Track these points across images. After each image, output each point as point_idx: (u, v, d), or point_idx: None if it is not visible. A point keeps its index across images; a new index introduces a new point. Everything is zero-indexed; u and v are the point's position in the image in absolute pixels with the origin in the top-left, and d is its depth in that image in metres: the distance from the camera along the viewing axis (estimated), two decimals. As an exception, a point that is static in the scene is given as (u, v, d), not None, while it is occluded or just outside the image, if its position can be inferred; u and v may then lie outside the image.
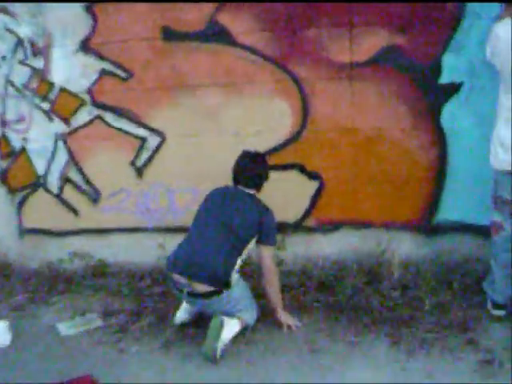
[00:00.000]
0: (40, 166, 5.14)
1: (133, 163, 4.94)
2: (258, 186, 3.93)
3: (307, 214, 4.73)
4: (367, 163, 4.55)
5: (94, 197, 5.07)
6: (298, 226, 4.77)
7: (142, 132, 4.88)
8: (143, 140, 4.88)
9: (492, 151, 3.60)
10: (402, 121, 4.43)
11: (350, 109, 4.49)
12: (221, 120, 4.73)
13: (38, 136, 5.09)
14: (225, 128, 4.74)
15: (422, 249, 4.60)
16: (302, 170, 4.67)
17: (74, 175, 5.09)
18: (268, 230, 3.80)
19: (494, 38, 3.48)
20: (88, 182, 5.06)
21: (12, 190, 5.26)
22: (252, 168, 3.90)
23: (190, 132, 4.80)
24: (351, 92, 4.45)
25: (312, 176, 4.66)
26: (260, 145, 4.58)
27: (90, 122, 4.96)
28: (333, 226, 4.72)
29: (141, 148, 4.90)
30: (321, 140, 4.59)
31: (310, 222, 4.75)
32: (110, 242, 5.12)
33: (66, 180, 5.10)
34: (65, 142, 5.04)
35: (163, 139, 4.85)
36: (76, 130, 5.00)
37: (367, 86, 4.43)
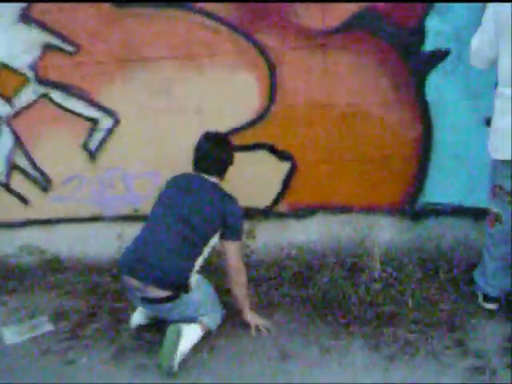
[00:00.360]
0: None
1: (85, 147, 4.44)
2: (221, 173, 3.47)
3: (279, 198, 4.29)
4: (344, 142, 4.10)
5: (45, 185, 4.57)
6: (268, 212, 4.34)
7: (93, 112, 4.36)
8: (95, 121, 4.37)
9: (491, 139, 3.16)
10: (382, 94, 3.96)
11: (324, 81, 4.00)
12: (180, 97, 4.23)
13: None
14: (184, 106, 4.24)
15: (405, 235, 4.20)
16: (272, 150, 4.20)
17: (21, 161, 4.57)
18: (233, 223, 3.34)
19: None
20: (37, 168, 4.55)
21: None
22: (214, 152, 3.42)
23: (146, 111, 4.29)
24: (324, 62, 3.96)
25: (283, 156, 4.20)
26: (224, 123, 4.13)
27: (36, 101, 4.42)
28: (307, 212, 4.30)
29: (93, 130, 4.39)
30: (292, 117, 4.11)
31: (282, 207, 4.31)
32: (63, 234, 4.66)
33: (13, 167, 4.58)
34: (9, 125, 4.51)
35: (117, 120, 4.34)
36: (20, 111, 4.46)
37: (342, 55, 3.94)
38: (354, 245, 4.22)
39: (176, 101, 4.24)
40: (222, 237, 3.34)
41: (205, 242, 3.25)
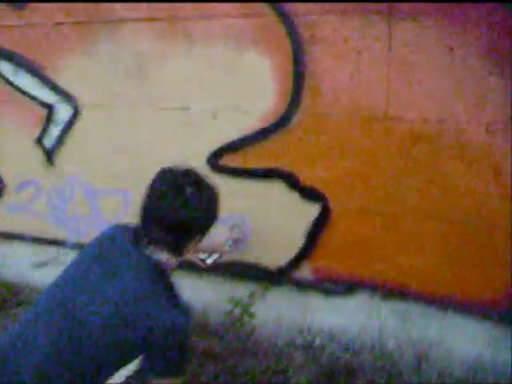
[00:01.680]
0: None
1: (39, 143, 3.13)
2: (178, 249, 1.83)
3: (300, 258, 2.69)
4: (408, 184, 2.38)
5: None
6: (282, 278, 2.76)
7: (47, 95, 3.01)
8: (50, 108, 3.03)
9: None
10: (493, 108, 2.16)
11: (384, 77, 2.28)
12: (158, 83, 2.73)
13: None
14: (164, 97, 2.74)
15: (499, 348, 2.43)
16: (292, 182, 2.59)
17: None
18: (166, 352, 1.71)
19: None
20: (-13, 164, 3.35)
21: None
22: (172, 210, 1.75)
23: (111, 100, 2.85)
24: (388, 43, 2.24)
25: (309, 196, 2.58)
26: (217, 130, 2.60)
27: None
28: (342, 287, 2.65)
29: (48, 120, 3.06)
30: (325, 132, 2.45)
31: (305, 272, 2.71)
32: (17, 255, 3.46)
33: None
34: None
35: (76, 109, 2.96)
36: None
37: (421, 31, 2.18)
38: (409, 346, 2.55)
39: (152, 89, 2.74)
40: (148, 367, 1.83)
41: (106, 373, 1.78)
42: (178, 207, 1.71)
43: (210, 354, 2.75)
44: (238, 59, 2.51)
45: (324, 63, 2.36)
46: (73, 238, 3.20)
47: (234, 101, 2.57)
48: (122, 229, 1.91)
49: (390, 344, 2.62)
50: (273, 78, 2.47)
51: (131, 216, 2.65)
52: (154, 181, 1.79)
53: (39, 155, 3.14)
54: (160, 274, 1.79)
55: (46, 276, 3.35)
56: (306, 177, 2.55)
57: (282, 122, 2.50)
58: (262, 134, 2.55)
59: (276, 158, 2.57)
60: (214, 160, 2.69)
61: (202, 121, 2.66)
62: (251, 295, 2.77)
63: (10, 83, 3.08)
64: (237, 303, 2.78)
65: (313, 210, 2.58)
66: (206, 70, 2.58)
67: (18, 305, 3.34)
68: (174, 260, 1.83)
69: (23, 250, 3.39)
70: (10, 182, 3.30)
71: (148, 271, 1.77)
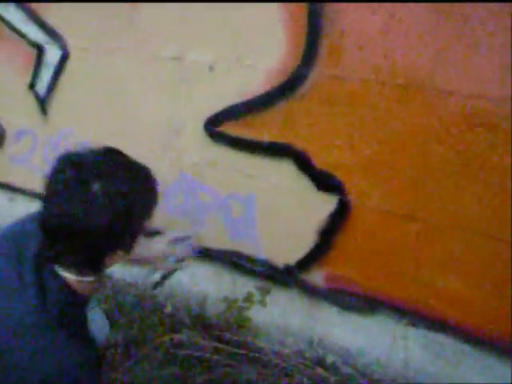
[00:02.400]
0: None
1: (32, 88, 2.70)
2: (90, 266, 1.32)
3: (310, 259, 2.11)
4: (460, 184, 1.70)
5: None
6: (288, 278, 2.21)
7: (36, 33, 2.54)
8: (40, 50, 2.56)
9: None
10: None
11: (435, 31, 1.57)
12: (147, 26, 2.16)
13: None
14: (154, 44, 2.17)
15: None
16: (303, 163, 1.98)
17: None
18: None
19: None
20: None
21: None
22: (73, 215, 1.18)
23: (96, 45, 2.33)
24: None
25: (323, 182, 1.96)
26: (212, 90, 2.04)
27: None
28: (361, 301, 2.06)
29: (39, 63, 2.61)
30: (349, 102, 1.79)
31: (314, 277, 2.13)
32: (19, 209, 3.14)
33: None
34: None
35: (65, 51, 2.47)
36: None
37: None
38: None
39: (141, 33, 2.18)
40: None
41: None
42: (79, 212, 1.19)
43: (203, 358, 2.32)
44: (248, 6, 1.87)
45: (348, 8, 1.67)
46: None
47: (239, 52, 1.96)
48: (31, 227, 1.43)
49: (418, 380, 2.03)
50: (282, 24, 1.82)
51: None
52: (52, 173, 1.27)
53: (32, 102, 2.72)
54: (66, 299, 1.32)
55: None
56: (319, 159, 1.93)
57: (291, 84, 1.86)
58: (268, 98, 1.94)
59: (284, 130, 1.96)
60: (212, 126, 2.13)
61: (195, 75, 2.08)
62: (249, 297, 2.25)
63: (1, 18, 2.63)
64: (231, 303, 2.28)
65: (328, 203, 1.97)
66: (202, 11, 1.97)
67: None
68: (91, 278, 1.35)
69: (24, 204, 3.07)
70: (9, 130, 2.93)
71: (49, 293, 1.30)
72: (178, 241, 1.92)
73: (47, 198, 1.24)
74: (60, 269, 1.30)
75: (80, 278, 1.31)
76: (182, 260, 1.93)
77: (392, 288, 1.95)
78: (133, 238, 1.31)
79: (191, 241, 1.96)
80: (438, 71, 1.57)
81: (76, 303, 1.33)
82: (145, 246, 1.74)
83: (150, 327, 2.37)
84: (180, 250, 1.92)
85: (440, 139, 1.65)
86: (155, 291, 2.03)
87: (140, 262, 1.86)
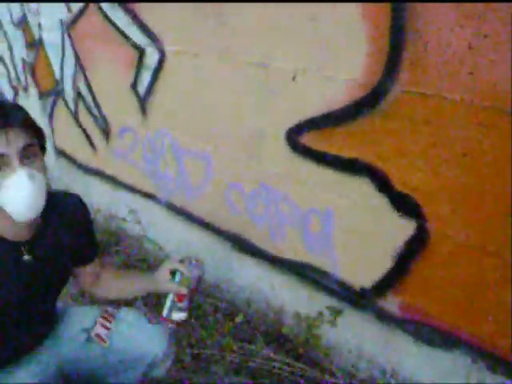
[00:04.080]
0: (56, 66, 3.44)
1: (134, 88, 2.81)
2: None
3: (385, 284, 1.98)
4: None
5: (104, 127, 3.18)
6: (363, 301, 2.08)
7: (138, 36, 2.63)
8: (141, 51, 2.65)
9: None
10: None
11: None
12: (237, 30, 2.13)
13: (47, 22, 3.33)
14: (242, 50, 2.14)
15: None
16: (381, 183, 1.85)
17: (82, 88, 3.25)
18: None
19: None
20: (95, 100, 3.17)
21: (41, 94, 3.77)
22: None
23: (191, 46, 2.36)
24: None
25: (402, 205, 1.81)
26: (298, 101, 2.02)
27: (86, 8, 2.92)
28: (437, 335, 1.89)
29: (139, 65, 2.70)
30: (431, 121, 1.63)
31: (390, 303, 1.99)
32: (123, 205, 3.30)
33: (78, 93, 3.31)
34: (70, 37, 3.16)
35: (162, 53, 2.53)
36: (76, 19, 3.04)
37: None
38: None
39: (228, 38, 2.16)
40: None
41: None
42: None
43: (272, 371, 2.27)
44: (333, 11, 1.77)
45: (432, 20, 1.51)
46: (164, 195, 2.90)
47: (316, 63, 1.87)
48: None
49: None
50: (364, 35, 1.70)
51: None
52: None
53: (134, 101, 2.83)
54: None
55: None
56: (399, 179, 1.78)
57: (372, 99, 1.74)
58: (348, 112, 1.83)
59: (363, 146, 1.83)
60: (294, 137, 2.06)
61: (279, 81, 2.02)
62: (319, 315, 2.16)
63: (108, 20, 2.76)
64: (303, 319, 2.21)
65: (406, 227, 1.82)
66: (279, 17, 1.91)
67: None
68: None
69: (125, 197, 3.22)
70: (114, 126, 3.09)
71: None
72: (185, 261, 1.72)
73: None
74: None
75: None
76: (188, 283, 1.67)
77: (468, 326, 1.76)
78: None
79: (195, 262, 1.72)
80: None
81: None
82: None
83: (222, 334, 2.38)
84: (186, 268, 1.68)
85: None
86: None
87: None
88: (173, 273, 1.69)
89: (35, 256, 1.48)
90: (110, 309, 1.69)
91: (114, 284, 1.81)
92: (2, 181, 1.28)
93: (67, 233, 1.57)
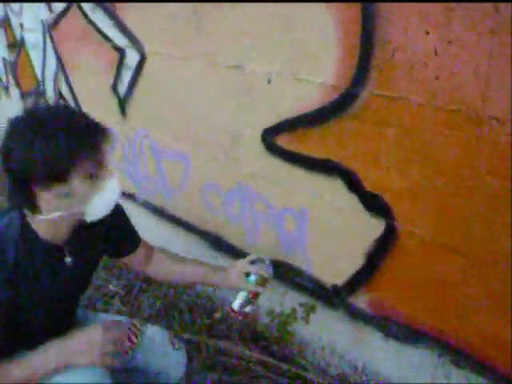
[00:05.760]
0: (38, 67, 3.47)
1: (114, 89, 2.84)
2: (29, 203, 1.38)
3: (356, 282, 2.04)
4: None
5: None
6: (335, 298, 2.14)
7: (118, 37, 2.68)
8: (121, 53, 2.69)
9: None
10: None
11: (488, 55, 1.44)
12: (214, 34, 2.19)
13: (29, 23, 3.35)
14: (216, 52, 2.20)
15: None
16: (352, 183, 1.91)
17: (64, 88, 3.28)
18: None
19: None
20: (76, 101, 3.20)
21: (23, 94, 3.78)
22: None
23: (170, 48, 2.41)
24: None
25: (371, 205, 1.88)
26: (274, 103, 2.05)
27: (68, 9, 2.96)
28: (403, 331, 1.95)
29: (120, 66, 2.74)
30: (398, 123, 1.70)
31: (360, 301, 2.05)
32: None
33: (59, 94, 3.33)
34: (52, 39, 3.19)
35: (143, 55, 2.58)
36: (57, 19, 3.07)
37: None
38: None
39: (206, 41, 2.21)
40: None
41: None
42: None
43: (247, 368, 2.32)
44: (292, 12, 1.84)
45: (400, 26, 1.58)
46: (143, 196, 2.94)
47: (290, 66, 1.93)
48: None
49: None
50: (336, 39, 1.76)
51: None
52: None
53: (114, 102, 2.86)
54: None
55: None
56: (369, 180, 1.85)
57: (342, 102, 1.80)
58: (321, 114, 1.89)
59: (335, 147, 1.90)
60: (269, 138, 2.12)
61: (256, 84, 2.08)
62: (292, 313, 2.22)
63: (89, 20, 2.80)
64: (275, 316, 2.26)
65: (376, 226, 1.88)
66: (267, 25, 1.97)
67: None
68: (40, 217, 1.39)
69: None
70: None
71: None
72: (257, 262, 1.82)
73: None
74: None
75: (31, 216, 1.39)
76: (264, 283, 1.78)
77: (434, 321, 1.83)
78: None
79: (268, 262, 1.83)
80: (490, 98, 1.44)
81: (25, 235, 1.40)
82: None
83: (198, 331, 2.42)
84: (260, 268, 1.78)
85: (493, 171, 1.51)
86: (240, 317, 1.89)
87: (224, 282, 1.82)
88: (247, 273, 1.77)
89: (76, 258, 1.52)
90: (138, 323, 1.68)
91: (171, 266, 1.86)
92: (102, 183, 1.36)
93: (102, 232, 1.61)
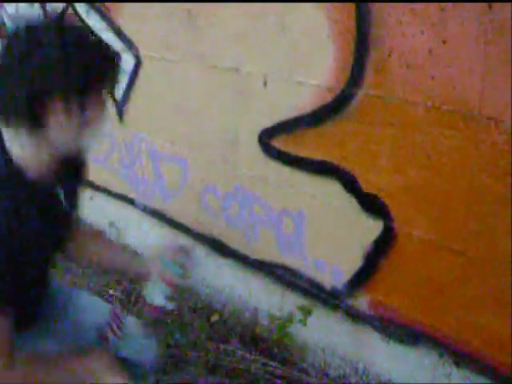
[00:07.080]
0: None
1: (110, 91, 2.83)
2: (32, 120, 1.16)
3: (355, 283, 2.03)
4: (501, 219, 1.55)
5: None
6: (335, 300, 2.14)
7: (114, 41, 2.67)
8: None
9: None
10: None
11: (483, 55, 1.44)
12: (206, 34, 2.19)
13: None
14: (212, 54, 2.20)
15: None
16: (349, 184, 1.90)
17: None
18: None
19: None
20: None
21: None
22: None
23: (166, 52, 2.41)
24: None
25: (369, 205, 1.88)
26: (270, 105, 2.05)
27: (65, 11, 2.95)
28: (404, 331, 1.95)
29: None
30: (395, 124, 1.70)
31: (360, 302, 2.05)
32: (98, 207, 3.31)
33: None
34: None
35: (138, 60, 2.58)
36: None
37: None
38: None
39: (201, 43, 2.21)
40: None
41: None
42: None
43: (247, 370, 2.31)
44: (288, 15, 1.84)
45: (395, 26, 1.58)
46: (141, 199, 2.93)
47: (286, 68, 1.93)
48: None
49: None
50: (331, 41, 1.76)
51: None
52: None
53: (111, 107, 2.86)
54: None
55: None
56: (365, 181, 1.84)
57: (338, 103, 1.80)
58: (317, 116, 1.89)
59: (332, 149, 1.90)
60: (266, 140, 2.12)
61: (252, 87, 2.08)
62: (290, 315, 2.22)
63: (85, 25, 2.80)
64: (275, 319, 2.26)
65: (374, 227, 1.88)
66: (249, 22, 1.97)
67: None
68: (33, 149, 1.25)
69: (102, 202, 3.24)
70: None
71: None
72: (178, 250, 1.57)
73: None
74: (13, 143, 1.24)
75: (23, 152, 1.24)
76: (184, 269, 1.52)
77: (434, 321, 1.82)
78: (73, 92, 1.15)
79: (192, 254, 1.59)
80: (486, 97, 1.44)
81: (20, 181, 1.26)
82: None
83: (197, 333, 2.41)
84: (183, 257, 1.54)
85: (488, 171, 1.51)
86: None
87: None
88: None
89: (67, 197, 1.40)
90: (120, 313, 1.61)
91: (90, 243, 1.67)
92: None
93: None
